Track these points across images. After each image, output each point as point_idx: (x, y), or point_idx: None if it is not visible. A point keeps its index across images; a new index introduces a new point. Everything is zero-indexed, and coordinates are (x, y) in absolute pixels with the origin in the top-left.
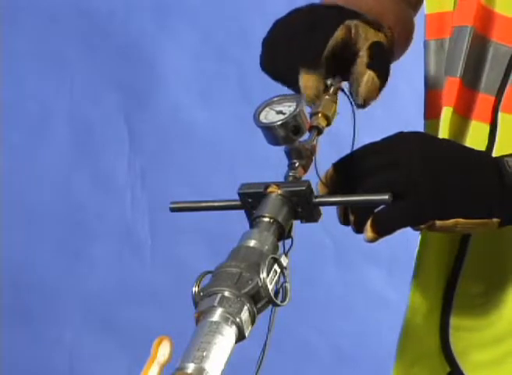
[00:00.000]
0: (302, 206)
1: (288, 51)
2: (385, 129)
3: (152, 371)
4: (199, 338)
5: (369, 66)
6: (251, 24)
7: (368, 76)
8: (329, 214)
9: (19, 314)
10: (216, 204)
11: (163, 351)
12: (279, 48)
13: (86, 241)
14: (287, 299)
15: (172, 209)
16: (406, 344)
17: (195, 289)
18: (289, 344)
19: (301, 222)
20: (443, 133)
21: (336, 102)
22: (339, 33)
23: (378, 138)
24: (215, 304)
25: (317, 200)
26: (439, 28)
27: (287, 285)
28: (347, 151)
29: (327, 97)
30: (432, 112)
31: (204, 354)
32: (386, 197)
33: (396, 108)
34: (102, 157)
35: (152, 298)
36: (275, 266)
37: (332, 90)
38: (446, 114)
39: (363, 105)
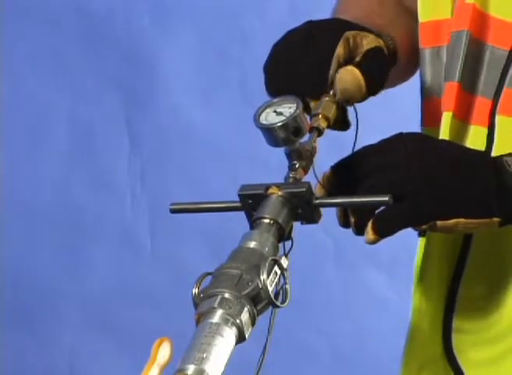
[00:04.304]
0: (302, 207)
1: (291, 80)
2: (385, 130)
3: (152, 372)
4: (199, 340)
5: (354, 64)
6: (251, 25)
7: (345, 70)
8: (329, 215)
9: (19, 315)
10: (216, 205)
11: (163, 352)
12: (280, 76)
13: (86, 241)
14: (287, 301)
15: (172, 211)
16: (412, 349)
17: (195, 290)
18: (288, 345)
19: (301, 223)
20: (444, 138)
21: (336, 103)
22: (339, 52)
23: (377, 140)
24: (215, 305)
25: (317, 201)
26: (435, 36)
27: (287, 287)
28: (347, 152)
29: (327, 98)
30: (429, 120)
31: (204, 355)
32: (387, 198)
33: (396, 110)
34: (102, 157)
35: (152, 298)
36: (276, 268)
37: (332, 91)
38: (446, 119)
39: (344, 102)
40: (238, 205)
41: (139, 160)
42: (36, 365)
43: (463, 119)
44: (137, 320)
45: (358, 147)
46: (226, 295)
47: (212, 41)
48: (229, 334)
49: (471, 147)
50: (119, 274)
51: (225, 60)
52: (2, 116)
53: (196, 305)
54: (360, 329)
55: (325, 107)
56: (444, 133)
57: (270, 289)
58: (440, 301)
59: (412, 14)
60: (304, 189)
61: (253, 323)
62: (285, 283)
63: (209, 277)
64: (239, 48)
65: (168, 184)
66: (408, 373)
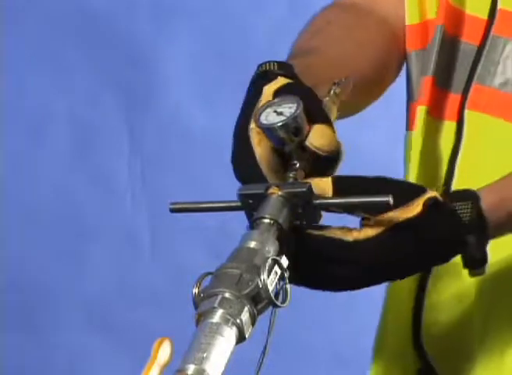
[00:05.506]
0: (302, 207)
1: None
2: (381, 128)
3: (152, 372)
4: (199, 339)
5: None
6: (251, 25)
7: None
8: (330, 214)
9: (19, 314)
10: (216, 205)
11: (163, 352)
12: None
13: (85, 241)
14: (287, 300)
15: (172, 210)
16: (382, 341)
17: (195, 290)
18: (288, 345)
19: (301, 223)
20: (417, 133)
21: (336, 103)
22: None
23: (373, 137)
24: (216, 305)
25: (317, 201)
26: (421, 38)
27: (287, 286)
28: (346, 152)
29: (327, 98)
30: (413, 123)
31: (205, 355)
32: (387, 198)
33: (393, 108)
34: (102, 158)
35: (152, 298)
36: (276, 268)
37: (332, 91)
38: (420, 114)
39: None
40: (238, 204)
41: (139, 160)
42: (36, 365)
43: (436, 114)
44: (137, 320)
45: (355, 143)
46: (227, 295)
47: (212, 41)
48: (230, 334)
49: (443, 143)
50: (118, 274)
51: (225, 60)
52: (2, 116)
53: (196, 305)
54: (359, 329)
55: (326, 107)
56: (418, 129)
57: (270, 289)
58: (410, 296)
59: (387, 26)
60: (305, 189)
61: (253, 323)
62: (285, 282)
63: (209, 277)
64: (239, 48)
65: (168, 184)
66: (377, 366)
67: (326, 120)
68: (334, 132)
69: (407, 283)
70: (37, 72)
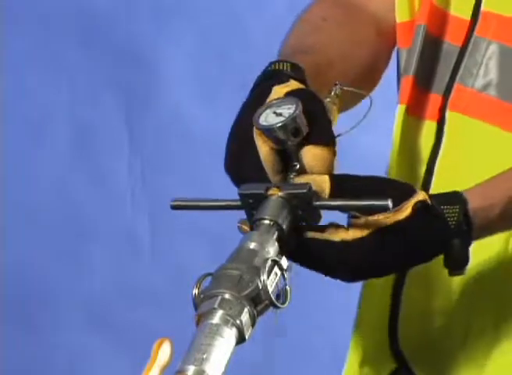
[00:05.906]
0: (302, 209)
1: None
2: (378, 126)
3: (152, 373)
4: (199, 340)
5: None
6: (251, 25)
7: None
8: (330, 215)
9: (19, 314)
10: (217, 203)
11: (163, 353)
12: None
13: (85, 241)
14: (287, 301)
15: (173, 207)
16: (357, 339)
17: (195, 291)
18: (288, 345)
19: (301, 224)
20: (396, 131)
21: (336, 104)
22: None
23: (372, 133)
24: (216, 306)
25: (317, 203)
26: (413, 36)
27: (287, 287)
28: (344, 151)
29: (328, 99)
30: None
31: (205, 356)
32: (387, 202)
33: (392, 103)
34: (102, 158)
35: (152, 299)
36: (276, 269)
37: (333, 92)
38: (399, 112)
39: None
40: (238, 204)
41: (139, 160)
42: (36, 364)
43: (416, 114)
44: (137, 320)
45: (354, 143)
46: (226, 296)
47: (212, 41)
48: (229, 335)
49: (423, 142)
50: (119, 274)
51: (225, 60)
52: (2, 116)
53: (196, 306)
54: None
55: (326, 109)
56: (396, 127)
57: (270, 290)
58: (386, 294)
59: (378, 22)
60: (305, 190)
61: (253, 324)
62: (285, 283)
63: (209, 278)
64: (239, 48)
65: (168, 184)
66: (351, 365)
67: (326, 142)
68: (332, 154)
69: (383, 282)
70: (37, 72)
